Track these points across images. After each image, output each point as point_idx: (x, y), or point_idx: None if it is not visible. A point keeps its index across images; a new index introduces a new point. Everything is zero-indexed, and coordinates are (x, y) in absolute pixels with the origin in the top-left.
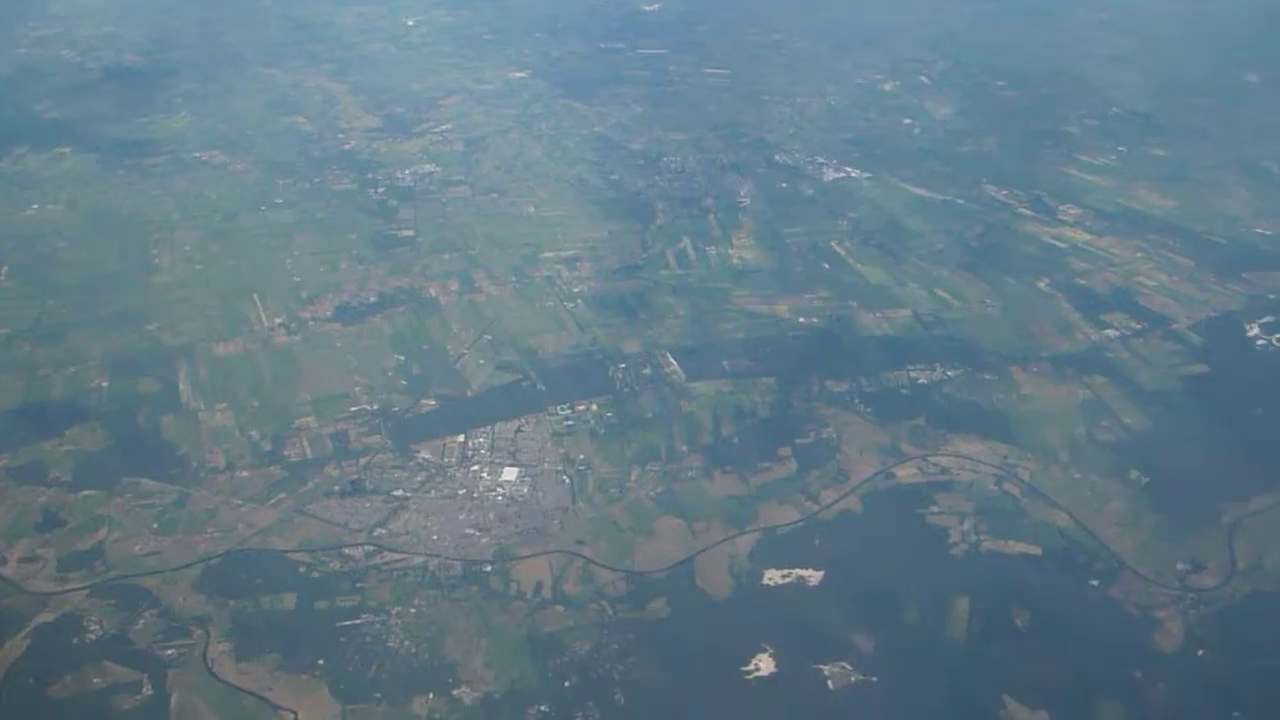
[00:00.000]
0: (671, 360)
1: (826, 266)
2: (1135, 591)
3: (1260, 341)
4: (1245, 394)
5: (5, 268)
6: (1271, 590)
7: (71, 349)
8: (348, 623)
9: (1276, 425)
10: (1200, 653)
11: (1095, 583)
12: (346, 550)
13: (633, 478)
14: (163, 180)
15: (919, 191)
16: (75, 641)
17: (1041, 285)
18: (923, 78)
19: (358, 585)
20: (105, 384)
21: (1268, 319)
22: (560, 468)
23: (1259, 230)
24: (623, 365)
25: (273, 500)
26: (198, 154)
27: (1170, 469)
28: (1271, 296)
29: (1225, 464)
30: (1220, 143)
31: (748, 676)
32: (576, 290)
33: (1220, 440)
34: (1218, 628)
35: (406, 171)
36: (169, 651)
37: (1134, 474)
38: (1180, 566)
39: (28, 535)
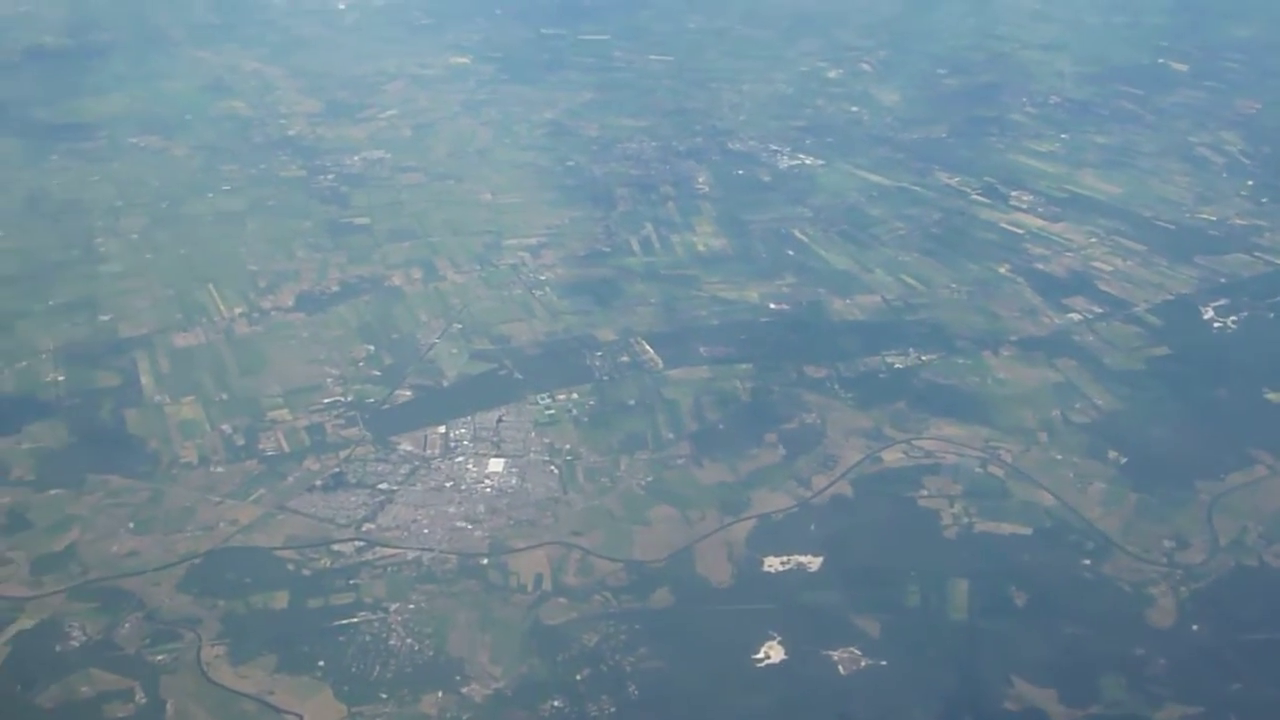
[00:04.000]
0: (647, 347)
1: (791, 253)
2: (1126, 569)
3: (1216, 324)
4: (1207, 375)
5: None
6: (1253, 565)
7: (21, 341)
8: (344, 621)
9: (1239, 405)
10: (1195, 628)
11: (1087, 561)
12: (335, 546)
13: (621, 467)
14: (100, 165)
15: (874, 178)
16: (58, 648)
17: (1002, 270)
18: (865, 65)
19: (351, 582)
20: (61, 378)
21: (1221, 302)
22: (547, 457)
23: (1203, 216)
24: (599, 353)
25: (253, 496)
26: (134, 139)
27: (1145, 449)
28: (1222, 280)
29: (1197, 443)
30: (1157, 129)
31: (759, 664)
32: (543, 278)
33: (1189, 420)
34: (1208, 603)
35: (355, 158)
36: (159, 656)
37: (1112, 454)
38: (1166, 544)
39: None
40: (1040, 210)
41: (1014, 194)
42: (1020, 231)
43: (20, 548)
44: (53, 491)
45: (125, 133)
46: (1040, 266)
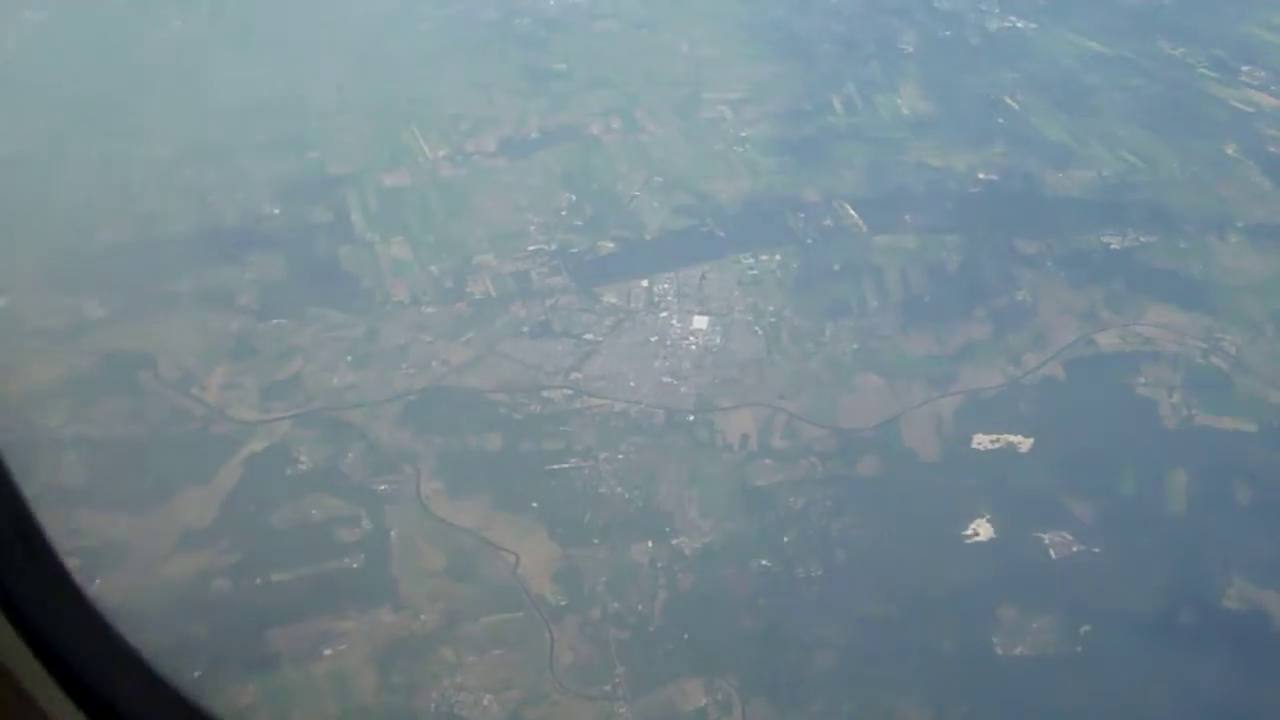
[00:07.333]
0: (851, 211)
1: (1001, 121)
2: None
3: None
4: None
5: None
6: None
7: (239, 173)
8: (556, 466)
9: None
10: None
11: None
12: (545, 393)
13: (827, 332)
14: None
15: (1091, 45)
16: (288, 472)
17: (1229, 150)
18: None
19: (561, 429)
20: (277, 211)
21: None
22: (751, 317)
23: None
24: (801, 214)
25: (463, 338)
26: None
27: None
28: None
29: None
30: None
31: (968, 540)
32: (744, 134)
33: None
34: None
35: (551, 2)
36: (382, 487)
37: None
38: None
39: (224, 362)
40: (1274, 89)
41: (1245, 69)
42: (1251, 110)
43: (249, 373)
44: (275, 321)
45: None
46: (1273, 149)
